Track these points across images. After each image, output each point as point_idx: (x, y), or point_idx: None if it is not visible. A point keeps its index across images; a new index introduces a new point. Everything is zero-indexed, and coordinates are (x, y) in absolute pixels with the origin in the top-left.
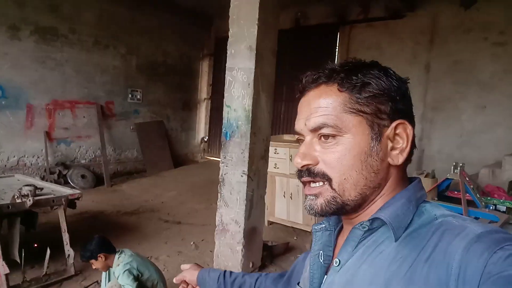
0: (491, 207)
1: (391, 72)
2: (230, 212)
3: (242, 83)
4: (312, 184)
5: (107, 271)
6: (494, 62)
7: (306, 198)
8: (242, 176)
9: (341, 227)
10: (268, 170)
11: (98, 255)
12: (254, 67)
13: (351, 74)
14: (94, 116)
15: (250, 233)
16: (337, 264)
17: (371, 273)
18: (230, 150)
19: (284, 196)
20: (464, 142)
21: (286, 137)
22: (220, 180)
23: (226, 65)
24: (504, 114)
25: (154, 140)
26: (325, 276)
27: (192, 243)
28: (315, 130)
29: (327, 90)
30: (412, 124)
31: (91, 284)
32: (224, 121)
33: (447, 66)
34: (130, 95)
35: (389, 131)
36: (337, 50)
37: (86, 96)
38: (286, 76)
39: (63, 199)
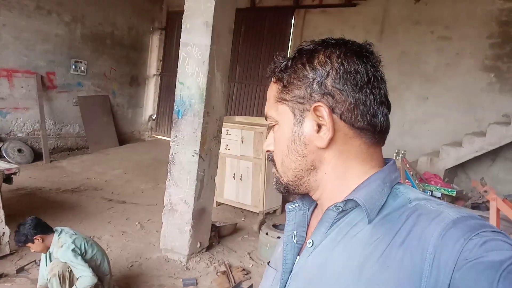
0: (428, 193)
1: (328, 52)
2: (180, 192)
3: (197, 60)
4: None
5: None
6: (438, 55)
7: None
8: (193, 155)
9: (315, 207)
10: (219, 151)
11: (34, 237)
12: (210, 44)
13: (286, 65)
14: (34, 86)
15: (199, 213)
16: (311, 245)
17: (345, 255)
18: (182, 128)
19: (234, 178)
20: (406, 131)
21: (238, 118)
22: (170, 159)
23: (181, 40)
24: (443, 106)
25: (98, 115)
26: (298, 257)
27: (137, 223)
28: (266, 120)
29: (271, 83)
30: (344, 102)
31: (27, 264)
32: (177, 98)
33: (394, 56)
34: (73, 66)
35: (310, 114)
36: (291, 33)
37: (25, 65)
38: (240, 56)
39: None
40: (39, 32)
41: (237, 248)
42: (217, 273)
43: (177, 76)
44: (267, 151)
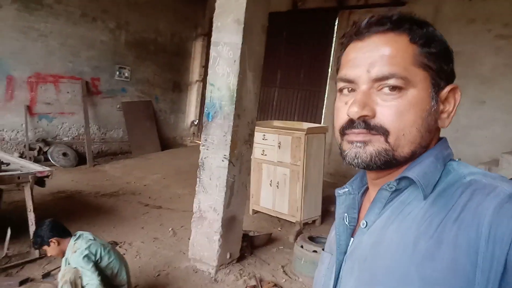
0: None
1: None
2: (209, 199)
3: (227, 59)
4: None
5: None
6: (496, 55)
7: (350, 145)
8: (223, 160)
9: (365, 190)
10: (255, 156)
11: (50, 240)
12: (241, 43)
13: (418, 26)
14: (79, 92)
15: (229, 222)
16: (364, 225)
17: (399, 233)
18: (212, 132)
19: (271, 185)
20: (459, 138)
21: (276, 123)
22: (199, 164)
23: (211, 39)
24: (502, 110)
25: (141, 120)
26: (352, 238)
27: (170, 229)
28: (380, 79)
29: (396, 38)
30: None
31: (55, 269)
32: (207, 100)
33: None
34: (117, 72)
35: (444, 93)
36: (335, 35)
37: (70, 71)
38: (281, 61)
39: (29, 176)
40: (84, 38)
41: (271, 260)
42: (246, 287)
43: (207, 77)
44: (363, 115)
